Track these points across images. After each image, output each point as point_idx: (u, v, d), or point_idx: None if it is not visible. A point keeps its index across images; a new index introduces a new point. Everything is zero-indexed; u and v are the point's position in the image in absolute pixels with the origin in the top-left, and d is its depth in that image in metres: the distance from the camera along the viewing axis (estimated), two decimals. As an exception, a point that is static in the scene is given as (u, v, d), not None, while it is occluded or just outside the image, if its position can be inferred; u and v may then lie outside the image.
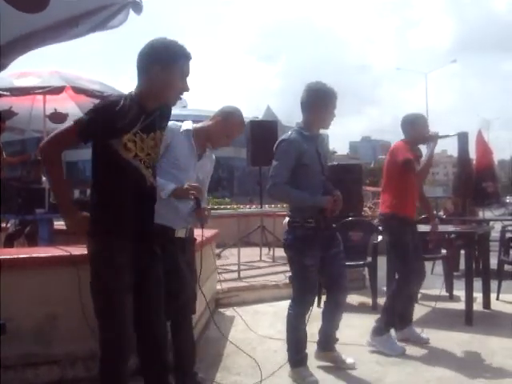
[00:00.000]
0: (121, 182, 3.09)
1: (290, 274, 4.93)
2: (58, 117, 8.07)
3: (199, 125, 4.10)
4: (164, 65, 3.05)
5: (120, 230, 3.10)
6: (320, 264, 4.49)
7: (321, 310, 4.78)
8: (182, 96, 3.28)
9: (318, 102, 4.42)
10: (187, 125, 4.01)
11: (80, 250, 4.26)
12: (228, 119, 4.03)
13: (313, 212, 4.38)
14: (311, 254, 4.38)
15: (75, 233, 3.14)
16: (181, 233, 3.91)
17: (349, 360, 4.74)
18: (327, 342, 4.74)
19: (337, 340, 4.78)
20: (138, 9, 4.45)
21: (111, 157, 3.03)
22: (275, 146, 4.51)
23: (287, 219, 4.52)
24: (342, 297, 4.67)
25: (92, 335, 3.26)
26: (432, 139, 5.27)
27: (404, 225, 5.18)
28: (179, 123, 3.99)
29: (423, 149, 5.49)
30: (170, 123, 3.64)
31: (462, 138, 12.31)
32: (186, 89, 3.19)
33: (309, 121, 4.50)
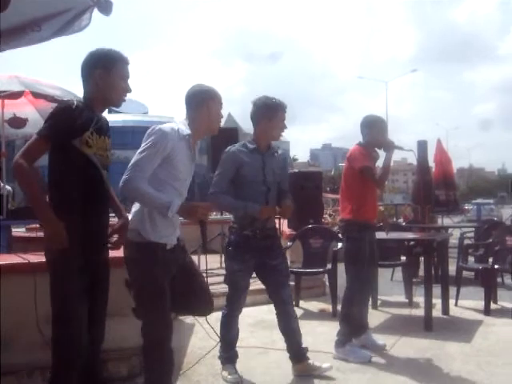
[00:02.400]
0: (81, 180, 3.16)
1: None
2: (17, 122, 7.96)
3: (187, 123, 3.67)
4: (105, 68, 3.25)
5: (81, 231, 3.14)
6: (260, 273, 4.62)
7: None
8: (125, 97, 3.40)
9: (262, 116, 4.56)
10: (184, 128, 3.58)
11: (38, 258, 4.19)
12: (211, 99, 3.73)
13: (249, 220, 4.48)
14: (240, 259, 4.50)
15: (55, 244, 3.06)
16: (170, 245, 3.58)
17: (324, 365, 4.72)
18: (298, 353, 4.67)
19: (306, 348, 4.73)
20: (106, 10, 4.34)
21: (72, 155, 3.12)
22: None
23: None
24: (289, 307, 4.67)
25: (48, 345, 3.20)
26: (389, 148, 5.27)
27: (364, 230, 5.20)
28: (175, 126, 3.53)
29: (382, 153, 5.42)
30: (167, 129, 3.43)
31: (422, 146, 12.52)
32: (129, 90, 3.38)
33: (256, 134, 4.65)
